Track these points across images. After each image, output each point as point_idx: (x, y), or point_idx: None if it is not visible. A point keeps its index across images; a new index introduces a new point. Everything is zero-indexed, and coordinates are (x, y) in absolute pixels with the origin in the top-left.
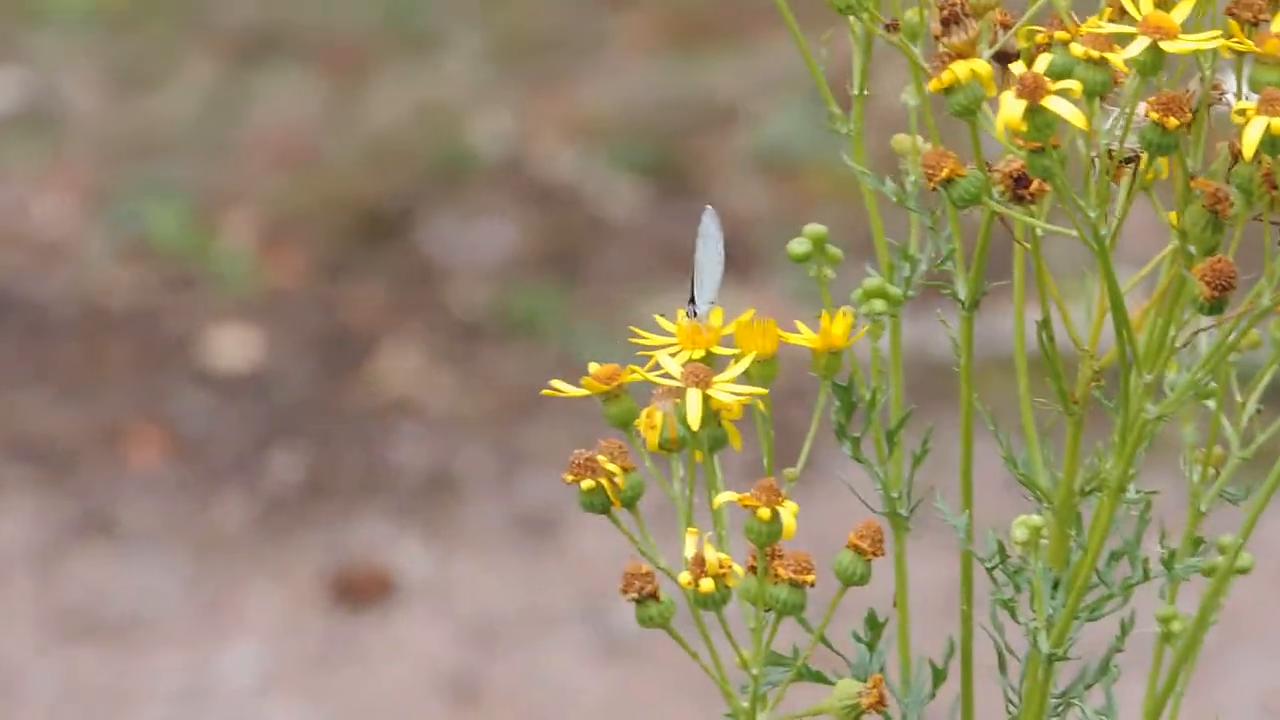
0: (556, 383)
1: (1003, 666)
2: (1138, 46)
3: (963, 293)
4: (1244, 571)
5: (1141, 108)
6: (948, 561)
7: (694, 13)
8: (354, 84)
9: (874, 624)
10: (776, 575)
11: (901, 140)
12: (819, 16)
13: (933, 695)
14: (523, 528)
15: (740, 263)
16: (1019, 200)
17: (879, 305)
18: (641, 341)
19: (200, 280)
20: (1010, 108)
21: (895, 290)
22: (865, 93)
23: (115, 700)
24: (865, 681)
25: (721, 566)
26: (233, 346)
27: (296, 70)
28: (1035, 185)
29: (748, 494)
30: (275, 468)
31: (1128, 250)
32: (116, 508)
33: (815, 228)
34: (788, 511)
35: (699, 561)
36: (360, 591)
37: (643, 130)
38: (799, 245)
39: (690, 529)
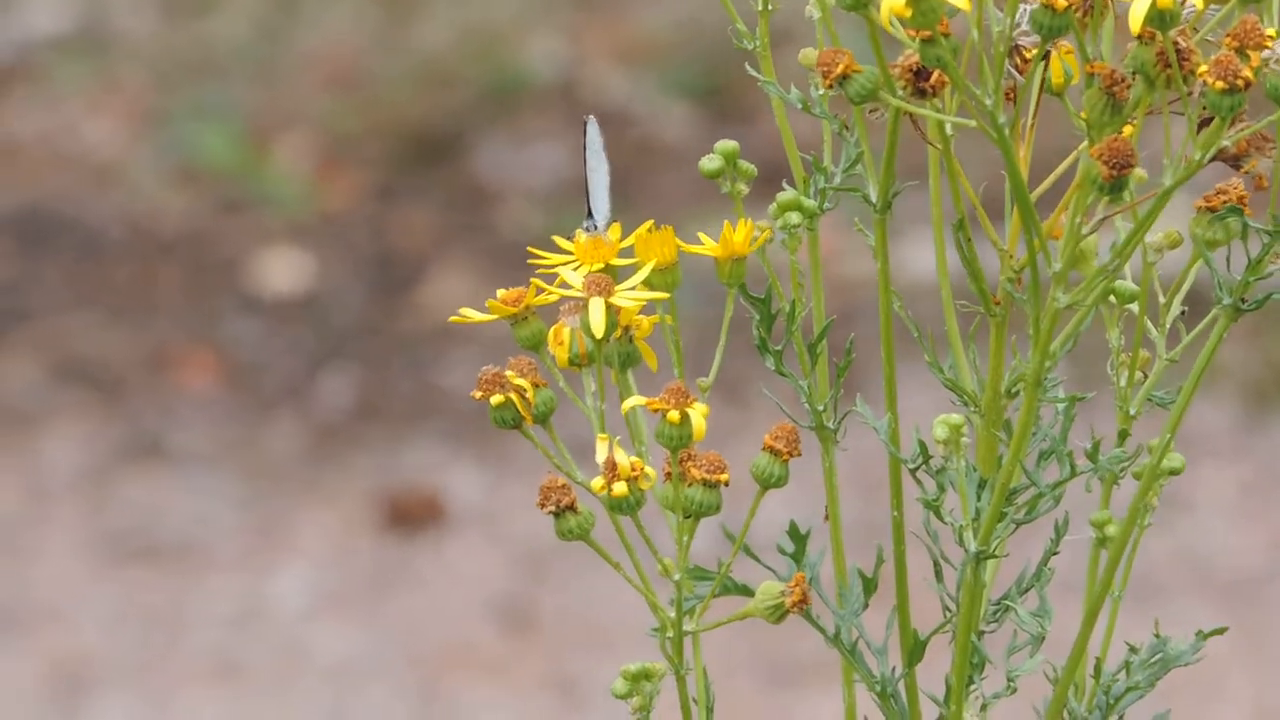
0: (465, 309)
1: (939, 573)
2: None
3: (874, 195)
4: (1175, 472)
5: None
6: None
7: None
8: (405, 6)
9: (797, 536)
10: (691, 477)
11: (809, 54)
12: None
13: (866, 605)
14: (574, 453)
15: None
16: (921, 94)
17: (794, 218)
18: (540, 261)
19: (251, 203)
20: None
21: (810, 202)
22: (770, 7)
23: (169, 623)
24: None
25: (634, 469)
26: (283, 270)
27: None
28: (935, 77)
29: (655, 398)
30: (326, 392)
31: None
32: (168, 431)
33: (727, 143)
34: (697, 413)
35: (610, 466)
36: (412, 516)
37: (695, 53)
38: (710, 162)
39: (601, 435)
